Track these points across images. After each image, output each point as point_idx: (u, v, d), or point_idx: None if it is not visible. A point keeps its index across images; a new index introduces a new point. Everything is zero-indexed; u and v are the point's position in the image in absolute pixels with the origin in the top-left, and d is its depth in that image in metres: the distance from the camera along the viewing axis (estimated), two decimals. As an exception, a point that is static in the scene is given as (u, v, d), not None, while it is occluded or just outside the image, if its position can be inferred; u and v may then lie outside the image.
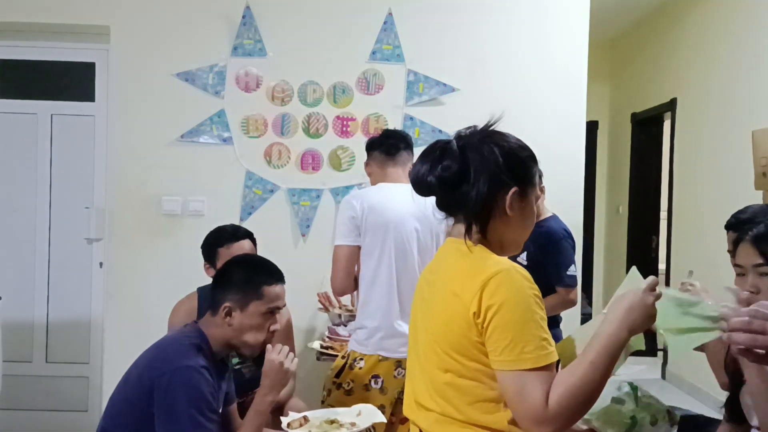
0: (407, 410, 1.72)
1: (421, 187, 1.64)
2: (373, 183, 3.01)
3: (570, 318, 4.01)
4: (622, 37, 7.27)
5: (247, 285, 2.20)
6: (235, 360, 2.84)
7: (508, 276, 1.49)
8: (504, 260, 1.56)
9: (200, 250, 2.98)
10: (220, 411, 2.44)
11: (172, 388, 2.01)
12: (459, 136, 1.63)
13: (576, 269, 3.23)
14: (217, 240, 2.92)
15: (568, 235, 3.26)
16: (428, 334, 1.63)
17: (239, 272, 2.24)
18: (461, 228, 1.61)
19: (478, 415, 1.53)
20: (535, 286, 1.52)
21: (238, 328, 2.18)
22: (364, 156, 3.92)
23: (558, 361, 1.50)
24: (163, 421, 2.02)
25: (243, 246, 2.90)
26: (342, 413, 2.38)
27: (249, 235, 3.00)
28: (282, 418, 2.36)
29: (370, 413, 2.37)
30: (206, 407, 2.03)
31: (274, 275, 2.28)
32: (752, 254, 2.10)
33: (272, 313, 2.24)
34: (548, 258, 3.21)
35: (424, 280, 1.74)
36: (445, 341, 1.56)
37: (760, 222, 2.11)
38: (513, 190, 1.58)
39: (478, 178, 1.57)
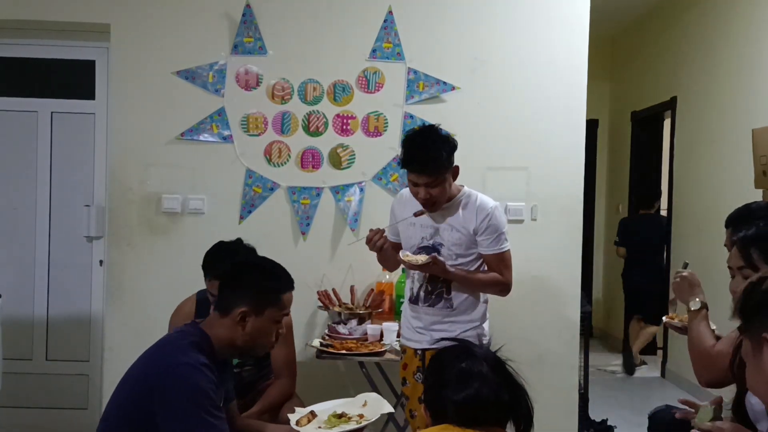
0: None
1: None
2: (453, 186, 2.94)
3: (570, 317, 4.02)
4: (622, 36, 7.27)
5: (265, 291, 2.18)
6: (234, 362, 2.84)
7: None
8: None
9: (200, 250, 2.97)
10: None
11: (171, 386, 1.99)
12: None
13: None
14: (217, 257, 2.88)
15: None
16: None
17: (257, 277, 2.21)
18: None
19: None
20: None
21: (251, 332, 2.15)
22: (364, 154, 3.96)
23: None
24: (167, 420, 1.99)
25: None
26: (347, 404, 2.33)
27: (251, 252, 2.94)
28: (289, 415, 2.32)
29: (376, 403, 2.31)
30: (210, 405, 2.01)
31: (290, 282, 2.26)
32: (737, 256, 2.14)
33: (282, 319, 2.23)
34: None
35: None
36: None
37: (753, 225, 2.12)
38: None
39: None
